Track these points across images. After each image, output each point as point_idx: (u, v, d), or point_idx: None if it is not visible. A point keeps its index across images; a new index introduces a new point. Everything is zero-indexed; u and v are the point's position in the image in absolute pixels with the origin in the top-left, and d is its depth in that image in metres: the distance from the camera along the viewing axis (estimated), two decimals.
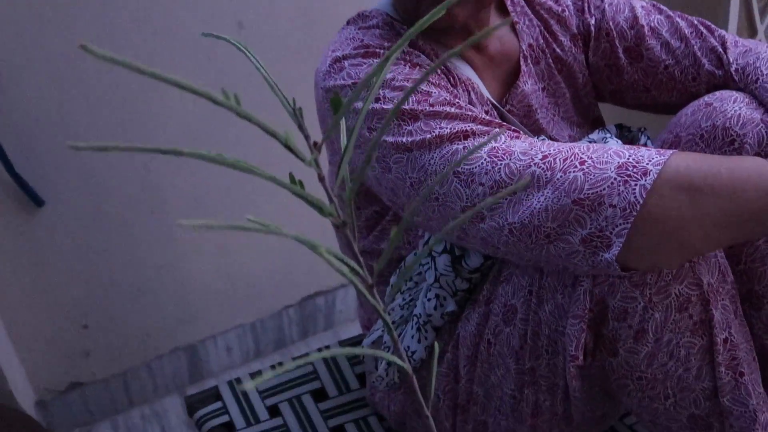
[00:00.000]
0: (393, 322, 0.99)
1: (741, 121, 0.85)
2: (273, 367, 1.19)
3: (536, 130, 1.01)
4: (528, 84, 0.99)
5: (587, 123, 1.07)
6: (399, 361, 0.52)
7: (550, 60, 1.02)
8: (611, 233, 0.73)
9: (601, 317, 0.81)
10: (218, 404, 1.14)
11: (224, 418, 1.12)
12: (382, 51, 0.88)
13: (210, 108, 1.39)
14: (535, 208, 0.76)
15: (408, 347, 0.96)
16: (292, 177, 0.49)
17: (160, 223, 1.44)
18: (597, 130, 0.97)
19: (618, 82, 1.04)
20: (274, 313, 1.60)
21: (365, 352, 0.48)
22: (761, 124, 0.86)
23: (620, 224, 0.72)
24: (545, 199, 0.75)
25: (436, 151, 0.81)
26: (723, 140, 0.86)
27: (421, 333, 0.95)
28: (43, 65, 1.28)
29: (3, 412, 1.26)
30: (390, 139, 0.83)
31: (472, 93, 0.94)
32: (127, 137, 1.36)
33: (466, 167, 0.79)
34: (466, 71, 0.96)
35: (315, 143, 0.47)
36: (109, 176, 1.37)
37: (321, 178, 0.49)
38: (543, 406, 0.90)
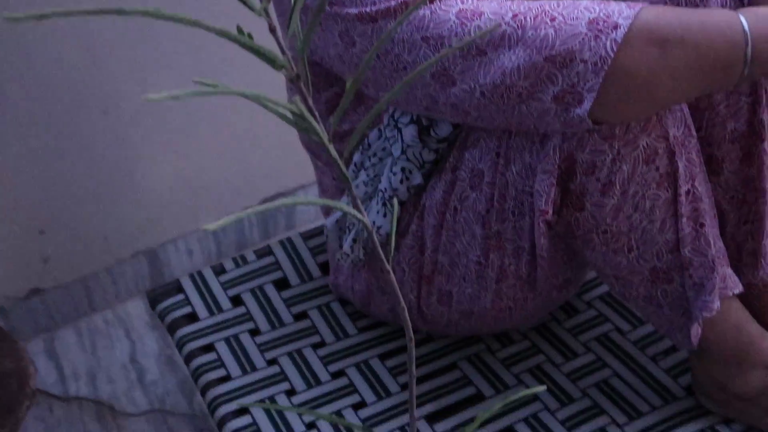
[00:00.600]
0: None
1: None
2: (236, 262, 1.18)
3: None
4: None
5: None
6: (361, 217, 0.52)
7: None
8: (583, 88, 0.74)
9: (569, 172, 0.83)
10: (180, 296, 1.14)
11: (187, 309, 1.12)
12: None
13: None
14: (506, 67, 0.76)
15: (374, 222, 0.96)
16: (239, 29, 0.48)
17: (114, 124, 1.41)
18: None
19: None
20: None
21: (324, 203, 0.48)
22: None
23: (592, 79, 0.74)
24: (517, 58, 0.75)
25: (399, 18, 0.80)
26: None
27: (386, 208, 0.95)
28: None
29: None
30: (353, 10, 0.81)
31: None
32: (77, 33, 1.32)
33: (435, 31, 0.78)
34: None
35: None
36: (57, 75, 1.33)
37: (272, 29, 0.48)
38: (508, 270, 0.91)
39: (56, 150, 1.38)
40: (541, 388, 0.59)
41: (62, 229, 1.44)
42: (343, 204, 0.47)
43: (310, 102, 0.49)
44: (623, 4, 0.75)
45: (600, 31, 0.73)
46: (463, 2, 0.79)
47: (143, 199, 1.49)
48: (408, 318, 0.58)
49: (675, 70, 0.74)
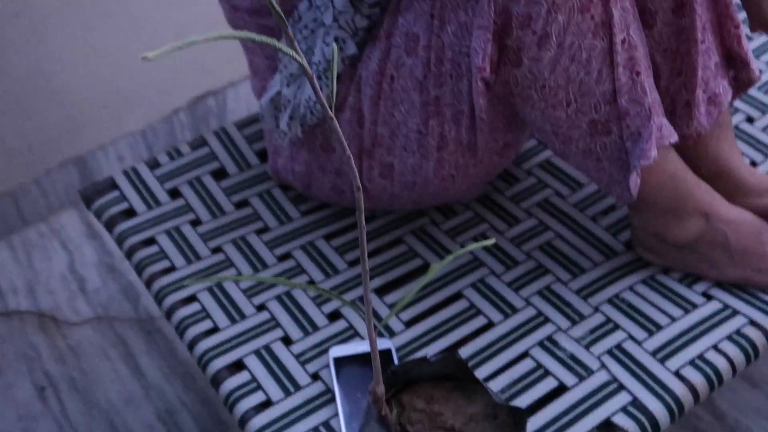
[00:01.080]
0: (290, 75, 0.96)
1: None
2: (170, 155, 1.15)
3: None
4: None
5: None
6: (297, 58, 0.50)
7: None
8: None
9: (505, 27, 0.81)
10: (115, 193, 1.11)
11: (124, 206, 1.09)
12: None
13: None
14: None
15: (309, 98, 0.94)
16: None
17: (28, 27, 1.34)
18: None
19: None
20: (164, 117, 1.54)
21: (260, 39, 0.45)
22: None
23: None
24: None
25: None
26: None
27: (322, 81, 0.92)
28: None
29: None
30: None
31: None
32: None
33: None
34: None
35: None
36: None
37: None
38: (448, 136, 0.91)
39: None
40: (491, 241, 0.59)
41: None
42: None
43: None
44: None
45: None
46: None
47: (66, 103, 1.43)
48: (355, 167, 0.57)
49: None
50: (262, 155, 1.14)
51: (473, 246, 0.58)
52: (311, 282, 1.00)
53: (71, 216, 1.47)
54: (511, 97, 0.87)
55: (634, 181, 0.88)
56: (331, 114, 0.53)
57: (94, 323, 1.32)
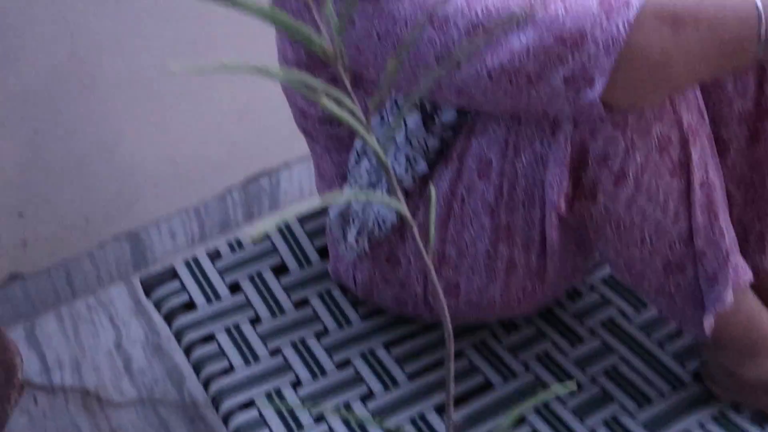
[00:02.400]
0: (361, 189, 0.95)
1: None
2: (231, 246, 1.15)
3: None
4: None
5: None
6: (397, 204, 0.49)
7: None
8: (594, 70, 0.72)
9: (581, 163, 0.80)
10: (176, 283, 1.10)
11: (184, 298, 1.09)
12: None
13: None
14: (515, 49, 0.73)
15: (379, 212, 0.93)
16: (271, 7, 0.44)
17: (94, 99, 1.35)
18: None
19: None
20: (218, 195, 1.54)
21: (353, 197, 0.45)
22: None
23: (603, 60, 0.71)
24: (526, 38, 0.72)
25: None
26: None
27: (393, 196, 0.92)
28: None
29: None
30: None
31: None
32: (56, 6, 1.26)
33: (440, 11, 0.75)
34: None
35: None
36: (33, 49, 1.27)
37: (308, 6, 0.44)
38: (518, 262, 0.89)
39: (35, 128, 1.32)
40: (570, 388, 0.57)
41: (42, 211, 1.38)
42: (376, 195, 0.44)
43: (348, 83, 0.46)
44: None
45: (611, 10, 0.71)
46: None
47: (124, 178, 1.44)
48: (446, 309, 0.56)
49: (688, 51, 0.72)
50: (323, 251, 1.14)
51: (549, 395, 0.56)
52: (369, 394, 0.98)
53: (120, 290, 1.47)
54: (585, 230, 0.86)
55: (709, 322, 0.86)
56: (428, 260, 0.51)
57: (138, 405, 1.31)
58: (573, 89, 0.73)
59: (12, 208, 1.35)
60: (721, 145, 0.93)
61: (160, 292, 1.09)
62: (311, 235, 1.16)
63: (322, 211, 1.17)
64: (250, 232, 0.36)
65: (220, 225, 1.57)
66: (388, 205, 0.47)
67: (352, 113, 0.47)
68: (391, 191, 0.48)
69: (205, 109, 1.45)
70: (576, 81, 0.72)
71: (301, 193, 1.63)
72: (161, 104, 1.41)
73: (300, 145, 1.05)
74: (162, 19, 1.35)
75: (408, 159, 0.90)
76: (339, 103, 0.45)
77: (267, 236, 1.15)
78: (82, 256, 1.44)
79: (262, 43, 1.19)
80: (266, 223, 0.40)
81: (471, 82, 0.77)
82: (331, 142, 0.99)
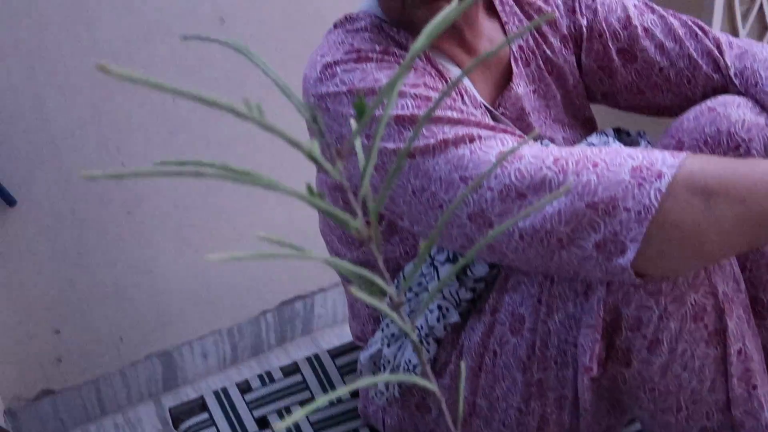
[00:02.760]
0: (392, 335, 0.96)
1: (746, 126, 0.84)
2: (262, 380, 1.15)
3: (529, 133, 0.99)
4: (520, 86, 0.97)
5: (579, 124, 1.05)
6: (430, 385, 0.49)
7: (541, 62, 0.99)
8: (626, 238, 0.71)
9: (614, 327, 0.80)
10: (205, 415, 1.10)
11: (211, 431, 1.08)
12: (374, 55, 0.84)
13: (190, 105, 1.34)
14: (547, 212, 0.74)
15: (409, 360, 0.93)
16: (310, 188, 0.46)
17: (137, 224, 1.39)
18: (595, 134, 0.95)
19: (611, 84, 1.02)
20: (252, 318, 1.56)
21: (385, 379, 0.45)
22: (766, 129, 0.85)
23: (635, 228, 0.71)
24: (558, 203, 0.73)
25: (440, 156, 0.78)
26: (728, 145, 0.85)
27: (422, 346, 0.92)
28: (16, 60, 1.23)
29: None
30: (391, 145, 0.80)
31: (465, 96, 0.91)
32: (103, 132, 1.31)
33: (474, 172, 0.76)
34: (457, 74, 0.93)
35: (337, 151, 0.44)
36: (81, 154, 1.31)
37: (345, 188, 0.46)
38: (550, 419, 0.88)
39: (79, 249, 1.36)
40: None
41: (78, 330, 1.40)
42: (410, 376, 0.44)
43: (381, 263, 0.47)
44: (667, 153, 0.73)
45: (644, 179, 0.71)
46: (503, 144, 0.77)
47: (160, 299, 1.46)
48: None
49: (721, 224, 0.71)
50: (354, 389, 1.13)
51: None
52: None
53: (149, 410, 1.47)
54: (619, 393, 0.85)
55: None
56: (434, 385, 0.51)
57: None
58: (604, 255, 0.73)
59: (49, 325, 1.37)
60: (759, 307, 0.92)
61: (189, 423, 1.09)
62: (342, 370, 1.16)
63: (355, 347, 1.17)
64: (278, 426, 0.36)
65: (252, 347, 1.58)
66: (418, 382, 0.47)
67: (382, 291, 0.48)
68: (423, 373, 0.48)
69: (241, 233, 1.48)
70: (607, 247, 0.72)
71: (334, 319, 1.64)
72: (198, 231, 1.44)
73: (335, 272, 1.07)
74: (204, 148, 1.39)
75: (440, 309, 0.91)
76: (371, 283, 0.46)
77: (298, 369, 1.15)
78: (113, 374, 1.45)
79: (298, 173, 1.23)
80: (297, 414, 0.41)
81: (503, 240, 0.77)
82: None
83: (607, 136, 0.94)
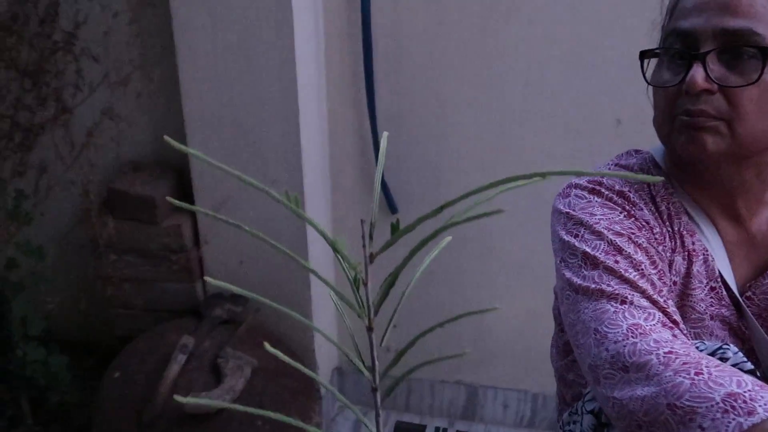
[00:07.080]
0: None
1: None
2: None
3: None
4: None
5: None
6: None
7: None
8: None
9: None
10: None
11: None
12: (606, 192, 0.90)
13: None
14: (635, 394, 0.75)
15: None
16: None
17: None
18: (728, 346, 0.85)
19: None
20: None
21: None
22: None
23: None
24: (647, 390, 0.74)
25: (592, 302, 0.84)
26: None
27: None
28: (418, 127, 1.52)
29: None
30: (568, 274, 0.87)
31: (699, 263, 0.90)
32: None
33: (605, 329, 0.81)
34: (710, 241, 0.91)
35: None
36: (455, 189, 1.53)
37: (371, 329, 0.58)
38: None
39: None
40: None
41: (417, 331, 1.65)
42: None
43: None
44: None
45: (733, 408, 0.68)
46: (647, 320, 0.79)
47: (489, 336, 1.61)
48: None
49: None
50: None
51: None
52: None
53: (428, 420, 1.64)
54: None
55: None
56: None
57: None
58: None
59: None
60: None
61: None
62: None
63: None
64: None
65: (550, 422, 1.63)
66: None
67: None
68: None
69: None
70: None
71: None
72: None
73: None
74: None
75: None
76: None
77: None
78: (423, 380, 1.66)
79: None
80: None
81: (603, 401, 0.80)
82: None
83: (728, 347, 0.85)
